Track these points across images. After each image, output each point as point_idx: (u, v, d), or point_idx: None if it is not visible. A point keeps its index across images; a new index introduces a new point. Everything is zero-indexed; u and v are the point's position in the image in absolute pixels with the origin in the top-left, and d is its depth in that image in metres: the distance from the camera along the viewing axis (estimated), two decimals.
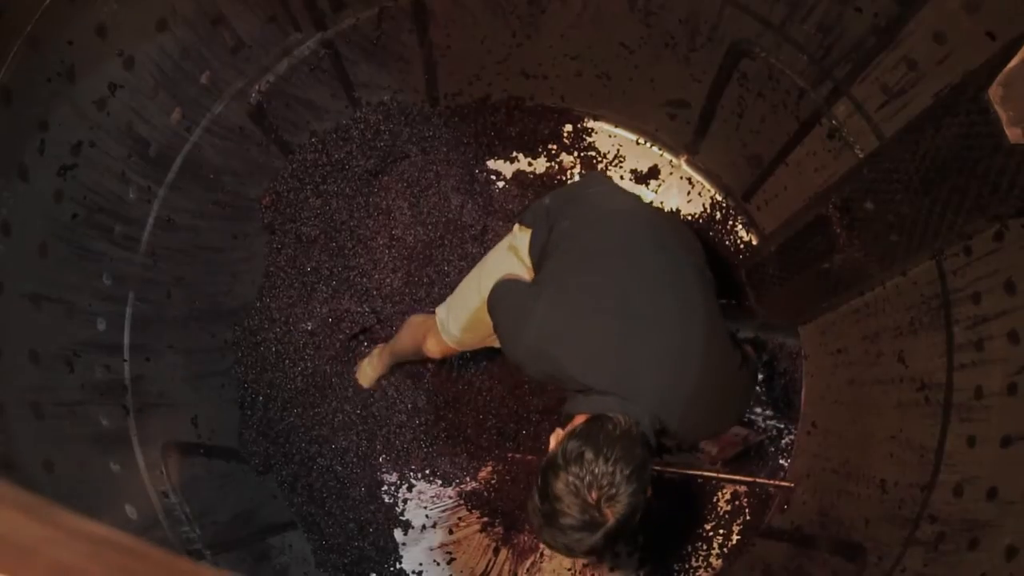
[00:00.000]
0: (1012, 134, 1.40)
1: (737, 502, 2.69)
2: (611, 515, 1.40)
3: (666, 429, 1.57)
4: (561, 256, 1.72)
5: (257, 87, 2.32)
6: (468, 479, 2.70)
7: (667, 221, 2.05)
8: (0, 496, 0.55)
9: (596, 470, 1.39)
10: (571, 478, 1.40)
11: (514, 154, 2.93)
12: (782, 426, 2.72)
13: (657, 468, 2.67)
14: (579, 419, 1.55)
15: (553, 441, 1.56)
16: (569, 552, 1.48)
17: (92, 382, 1.84)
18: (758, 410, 2.74)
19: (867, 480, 2.18)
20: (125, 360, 1.98)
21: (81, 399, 1.78)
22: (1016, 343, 1.64)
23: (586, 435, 1.46)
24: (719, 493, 2.71)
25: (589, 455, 1.41)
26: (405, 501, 2.69)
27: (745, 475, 2.67)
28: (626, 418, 1.49)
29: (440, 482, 2.71)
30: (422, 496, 2.70)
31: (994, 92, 1.41)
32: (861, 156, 2.09)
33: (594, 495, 1.39)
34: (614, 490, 1.39)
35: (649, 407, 1.53)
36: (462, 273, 2.65)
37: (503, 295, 1.75)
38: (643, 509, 1.46)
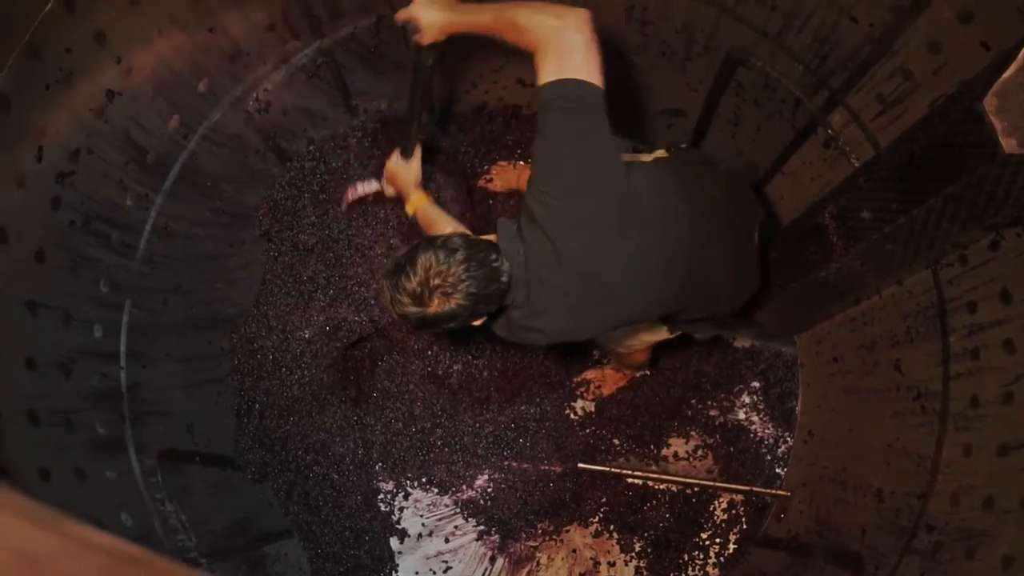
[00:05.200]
0: (1007, 144, 1.41)
1: (734, 511, 2.69)
2: (435, 305, 1.65)
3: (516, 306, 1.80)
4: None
5: (255, 95, 2.32)
6: (464, 487, 2.69)
7: None
8: (12, 507, 0.55)
9: (453, 269, 1.63)
10: (433, 258, 1.64)
11: (511, 163, 2.93)
12: (778, 434, 2.73)
13: (653, 477, 2.68)
14: (492, 237, 1.81)
15: (452, 228, 1.88)
16: (390, 304, 1.71)
17: (88, 389, 1.83)
18: (755, 418, 2.74)
19: (864, 489, 2.18)
20: (122, 367, 1.98)
21: (77, 406, 1.78)
22: (1012, 352, 1.65)
23: (473, 243, 1.70)
24: (715, 502, 2.70)
25: (459, 255, 1.65)
26: (401, 509, 2.68)
27: (742, 484, 2.67)
28: (507, 267, 1.72)
29: (436, 490, 2.70)
30: (418, 504, 2.70)
31: (989, 102, 1.42)
32: (857, 165, 2.09)
33: (435, 281, 1.63)
34: (452, 290, 1.64)
35: (531, 291, 1.75)
36: None
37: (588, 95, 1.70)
38: (459, 327, 1.75)
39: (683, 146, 2.33)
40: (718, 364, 2.77)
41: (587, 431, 2.75)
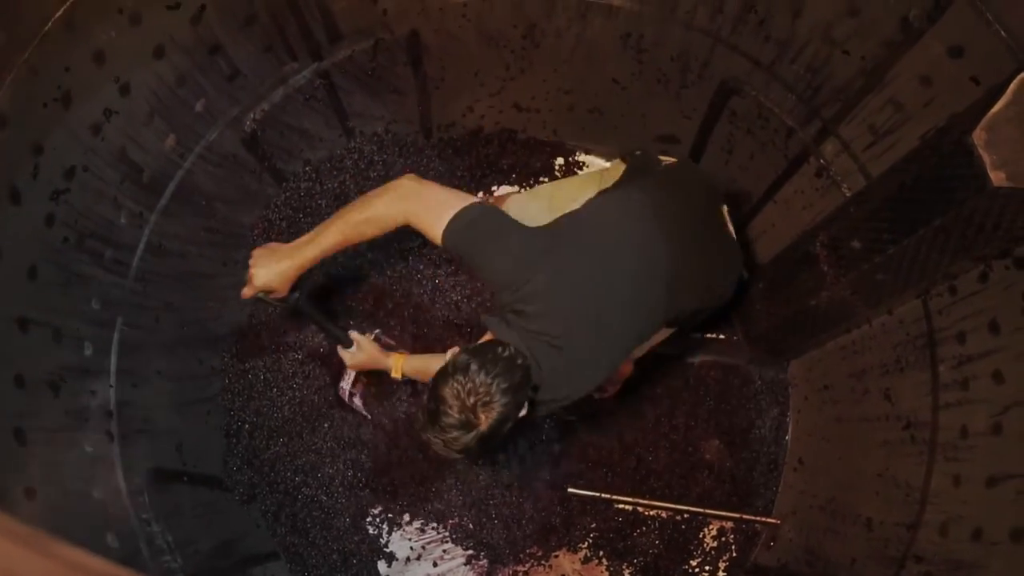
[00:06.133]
0: (995, 177, 1.43)
1: (723, 538, 2.68)
2: (484, 420, 1.63)
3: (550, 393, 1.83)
4: (602, 204, 1.91)
5: (252, 115, 2.33)
6: (454, 512, 2.68)
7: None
8: (0, 529, 0.55)
9: (477, 379, 1.62)
10: (456, 384, 1.63)
11: (507, 187, 2.95)
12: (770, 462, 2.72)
13: (643, 503, 2.67)
14: (484, 337, 1.82)
15: (449, 355, 1.78)
16: (447, 448, 1.68)
17: (77, 408, 1.82)
18: (745, 444, 2.74)
19: (853, 518, 2.17)
20: (111, 385, 1.97)
21: (65, 425, 1.77)
22: (1001, 383, 1.66)
23: (476, 351, 1.69)
24: (705, 529, 2.69)
25: (474, 367, 1.64)
26: (390, 532, 2.66)
27: (732, 511, 2.66)
28: (518, 350, 1.72)
29: (426, 514, 2.68)
30: (407, 528, 2.68)
31: (978, 136, 1.44)
32: (848, 195, 2.11)
33: (471, 400, 1.61)
34: (489, 398, 1.62)
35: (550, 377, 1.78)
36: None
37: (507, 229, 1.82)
38: (514, 423, 1.70)
39: (637, 152, 2.32)
40: (710, 390, 2.77)
41: (578, 455, 2.74)
